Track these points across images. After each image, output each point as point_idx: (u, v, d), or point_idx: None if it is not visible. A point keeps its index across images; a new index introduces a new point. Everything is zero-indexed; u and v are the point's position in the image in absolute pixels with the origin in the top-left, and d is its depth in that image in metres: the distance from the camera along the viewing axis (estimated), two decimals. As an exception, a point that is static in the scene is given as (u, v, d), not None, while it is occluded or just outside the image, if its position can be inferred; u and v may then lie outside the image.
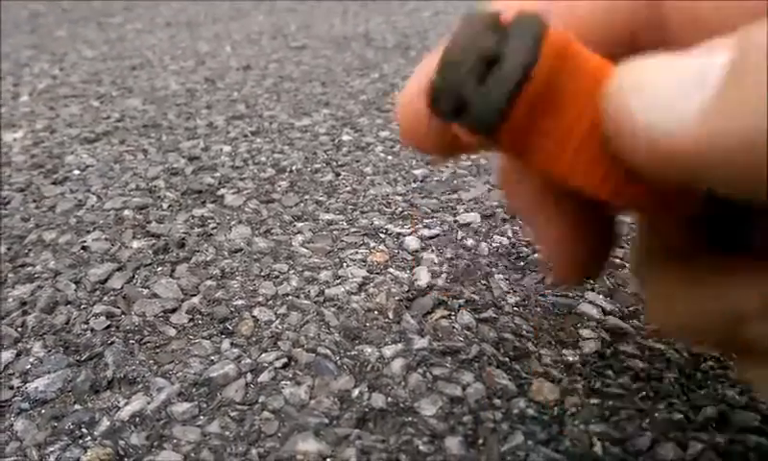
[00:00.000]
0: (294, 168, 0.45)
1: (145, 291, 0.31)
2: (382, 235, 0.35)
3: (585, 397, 0.23)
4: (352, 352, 0.26)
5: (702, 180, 0.12)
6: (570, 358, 0.25)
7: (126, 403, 0.24)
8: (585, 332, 0.27)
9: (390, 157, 0.47)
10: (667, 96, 0.12)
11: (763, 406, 0.22)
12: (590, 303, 0.29)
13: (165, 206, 0.40)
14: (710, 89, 0.11)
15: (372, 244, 0.35)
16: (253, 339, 0.27)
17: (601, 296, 0.29)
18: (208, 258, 0.34)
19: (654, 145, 0.12)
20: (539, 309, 0.28)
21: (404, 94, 0.17)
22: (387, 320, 0.28)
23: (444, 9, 1.20)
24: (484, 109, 0.13)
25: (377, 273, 0.32)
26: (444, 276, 0.31)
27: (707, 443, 0.21)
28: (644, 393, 0.23)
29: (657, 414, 0.22)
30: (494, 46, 0.13)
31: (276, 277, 0.32)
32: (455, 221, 0.37)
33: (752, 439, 0.21)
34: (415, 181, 0.43)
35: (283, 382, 0.25)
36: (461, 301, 0.29)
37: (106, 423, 0.23)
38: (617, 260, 0.31)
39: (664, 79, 0.12)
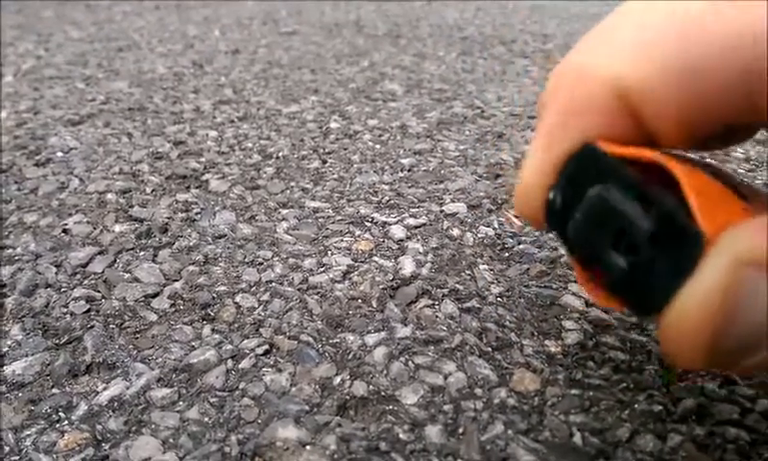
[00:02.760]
0: (280, 155, 0.45)
1: (126, 275, 0.30)
2: (368, 224, 0.35)
3: (566, 387, 0.23)
4: (335, 340, 0.26)
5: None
6: (552, 349, 0.25)
7: (104, 388, 0.24)
8: (567, 324, 0.27)
9: (377, 146, 0.47)
10: None
11: (743, 399, 0.22)
12: (574, 294, 0.29)
13: (149, 190, 0.39)
14: None
15: (358, 232, 0.34)
16: (235, 325, 0.27)
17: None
18: (191, 244, 0.33)
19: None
20: (522, 300, 0.28)
21: (525, 184, 0.17)
22: (370, 308, 0.28)
23: (436, -2, 1.19)
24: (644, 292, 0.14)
25: (362, 261, 0.32)
26: (428, 265, 0.31)
27: (686, 435, 0.21)
28: (625, 384, 0.23)
29: (637, 405, 0.22)
30: (641, 222, 0.14)
31: (260, 263, 0.31)
32: (441, 211, 0.37)
33: (731, 431, 0.21)
34: (402, 171, 0.42)
35: (264, 369, 0.24)
36: (445, 290, 0.29)
37: (83, 407, 0.23)
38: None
39: None
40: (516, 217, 0.36)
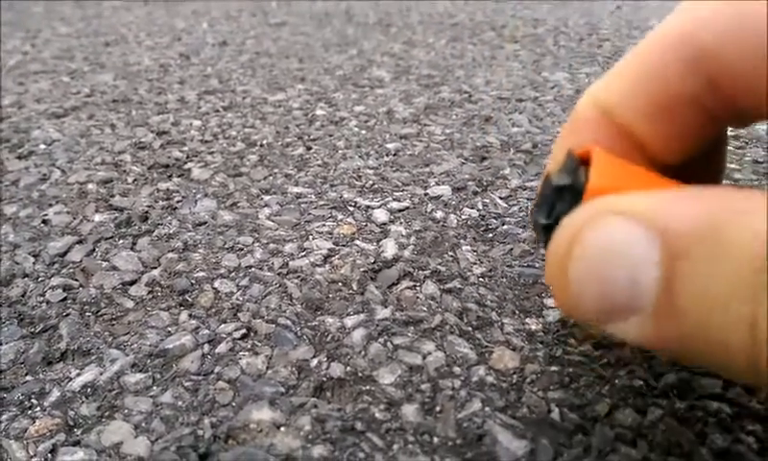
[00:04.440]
0: (264, 142, 0.44)
1: (104, 264, 0.30)
2: (351, 208, 0.35)
3: (545, 364, 0.23)
4: (313, 323, 0.26)
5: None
6: (533, 327, 0.25)
7: (78, 374, 0.23)
8: (549, 302, 0.26)
9: (363, 132, 0.46)
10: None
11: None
12: (557, 272, 0.28)
13: (130, 179, 0.39)
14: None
15: (340, 217, 0.34)
16: (213, 311, 0.27)
17: (568, 266, 0.29)
18: (171, 231, 0.33)
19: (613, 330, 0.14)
20: (504, 280, 0.28)
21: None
22: (350, 291, 0.28)
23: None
24: None
25: (344, 245, 0.31)
26: (410, 248, 0.31)
27: (666, 409, 0.21)
28: (606, 360, 0.23)
29: (617, 381, 0.22)
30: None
31: (240, 249, 0.31)
32: (425, 194, 0.36)
33: (712, 405, 0.21)
34: (387, 155, 0.42)
35: (241, 353, 0.24)
36: (426, 272, 0.29)
37: (56, 393, 0.22)
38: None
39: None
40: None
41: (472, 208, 0.34)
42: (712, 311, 0.12)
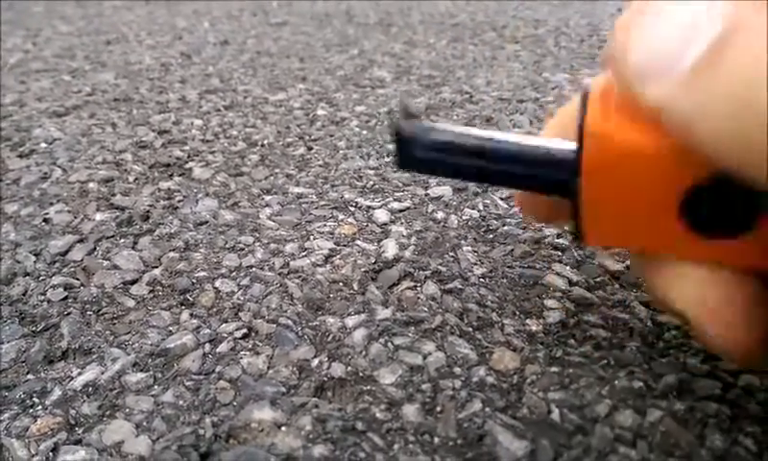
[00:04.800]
0: (265, 142, 0.44)
1: (105, 263, 0.30)
2: (352, 208, 0.35)
3: (545, 365, 0.23)
4: (314, 323, 0.26)
5: (693, 143, 0.13)
6: (533, 328, 0.25)
7: (79, 373, 0.23)
8: (549, 303, 0.26)
9: (364, 132, 0.46)
10: (661, 49, 0.13)
11: (725, 374, 0.22)
12: (557, 274, 0.28)
13: (131, 178, 0.39)
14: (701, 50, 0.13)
15: (341, 217, 0.34)
16: (214, 310, 0.27)
17: (568, 267, 0.29)
18: (173, 231, 0.33)
19: (645, 97, 0.14)
20: (505, 280, 0.28)
21: None
22: (351, 291, 0.28)
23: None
24: None
25: (344, 245, 0.31)
26: (411, 248, 0.31)
27: (666, 410, 0.21)
28: (606, 361, 0.23)
29: (617, 382, 0.22)
30: None
31: (241, 249, 0.31)
32: (426, 194, 0.36)
33: (712, 406, 0.21)
34: (388, 155, 0.42)
35: (242, 353, 0.24)
36: (427, 272, 0.29)
37: (57, 392, 0.22)
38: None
39: (660, 29, 0.14)
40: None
41: (473, 209, 0.35)
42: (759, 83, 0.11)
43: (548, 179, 0.18)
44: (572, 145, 0.17)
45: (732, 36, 0.12)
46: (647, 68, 0.14)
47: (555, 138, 0.19)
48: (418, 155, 0.20)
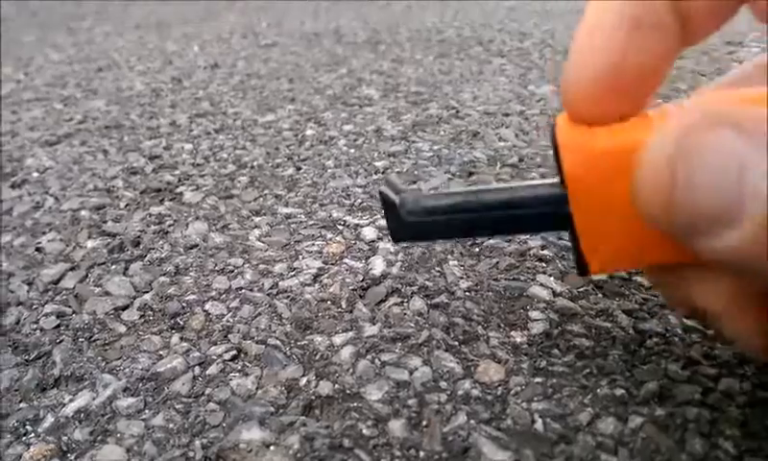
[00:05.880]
0: (255, 164, 0.45)
1: (97, 290, 0.31)
2: (340, 227, 0.35)
3: (529, 376, 0.23)
4: (302, 342, 0.26)
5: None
6: (518, 339, 0.25)
7: (71, 400, 0.24)
8: (534, 314, 0.27)
9: (352, 150, 0.47)
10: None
11: (705, 379, 0.23)
12: (541, 285, 0.29)
13: (122, 205, 0.40)
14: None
15: (330, 236, 0.35)
16: (204, 333, 0.27)
17: (552, 278, 0.29)
18: (163, 255, 0.33)
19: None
20: (490, 293, 0.29)
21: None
22: (339, 309, 0.28)
23: (417, 2, 1.20)
24: None
25: (333, 264, 0.32)
26: (398, 264, 0.31)
27: (646, 416, 0.21)
28: (588, 370, 0.23)
29: (599, 390, 0.22)
30: None
31: (231, 271, 0.32)
32: (413, 210, 0.37)
33: (692, 411, 0.21)
34: (376, 173, 0.43)
35: (231, 374, 0.24)
36: (414, 288, 0.29)
37: (50, 419, 0.23)
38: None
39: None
40: None
41: (459, 224, 0.35)
42: None
43: (540, 211, 0.19)
44: (556, 179, 0.18)
45: None
46: (709, 219, 0.14)
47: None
48: (409, 220, 0.21)
